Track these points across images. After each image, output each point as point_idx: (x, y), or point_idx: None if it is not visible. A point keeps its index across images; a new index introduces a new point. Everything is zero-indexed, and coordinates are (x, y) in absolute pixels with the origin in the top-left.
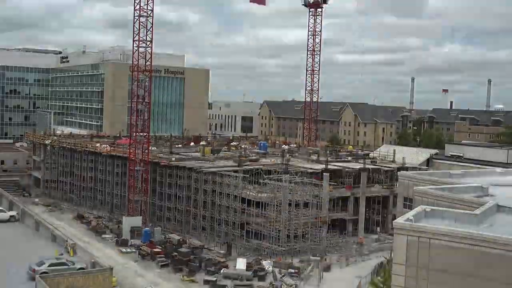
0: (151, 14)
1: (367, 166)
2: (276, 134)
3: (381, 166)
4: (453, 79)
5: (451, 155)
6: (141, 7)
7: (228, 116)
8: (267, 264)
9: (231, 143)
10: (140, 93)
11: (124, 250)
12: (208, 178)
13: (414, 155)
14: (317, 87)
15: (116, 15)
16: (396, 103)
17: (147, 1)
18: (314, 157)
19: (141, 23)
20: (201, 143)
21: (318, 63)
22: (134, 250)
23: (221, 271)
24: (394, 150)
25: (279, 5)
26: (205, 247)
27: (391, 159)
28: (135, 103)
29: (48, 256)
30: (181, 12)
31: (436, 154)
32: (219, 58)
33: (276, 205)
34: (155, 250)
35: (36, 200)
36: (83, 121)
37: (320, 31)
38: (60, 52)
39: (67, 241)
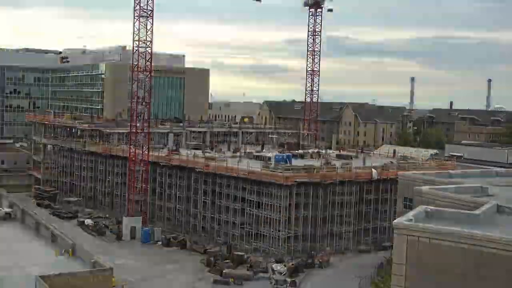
0: (151, 14)
1: None
2: None
3: None
4: None
5: (451, 155)
6: (141, 7)
7: (228, 116)
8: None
9: None
10: (140, 93)
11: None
12: (208, 178)
13: (415, 155)
14: (317, 87)
15: None
16: (396, 103)
17: (147, 1)
18: None
19: (141, 23)
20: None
21: (318, 63)
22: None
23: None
24: (395, 150)
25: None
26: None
27: None
28: (135, 103)
29: None
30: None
31: (436, 154)
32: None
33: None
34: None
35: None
36: None
37: (320, 31)
38: (60, 52)
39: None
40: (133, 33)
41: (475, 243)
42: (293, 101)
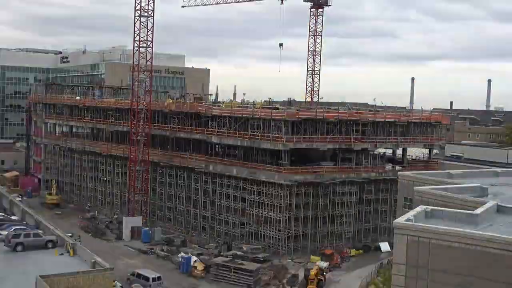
0: (152, 14)
1: None
2: None
3: None
4: None
5: (451, 155)
6: (142, 7)
7: None
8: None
9: None
10: (140, 93)
11: None
12: (208, 178)
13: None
14: (317, 87)
15: None
16: (396, 103)
17: (148, 1)
18: None
19: (141, 23)
20: None
21: (319, 63)
22: None
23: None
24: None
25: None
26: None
27: None
28: (135, 104)
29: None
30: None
31: (436, 154)
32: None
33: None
34: None
35: None
36: None
37: (321, 31)
38: (60, 52)
39: (67, 241)
40: (134, 33)
41: (475, 243)
42: (293, 101)
